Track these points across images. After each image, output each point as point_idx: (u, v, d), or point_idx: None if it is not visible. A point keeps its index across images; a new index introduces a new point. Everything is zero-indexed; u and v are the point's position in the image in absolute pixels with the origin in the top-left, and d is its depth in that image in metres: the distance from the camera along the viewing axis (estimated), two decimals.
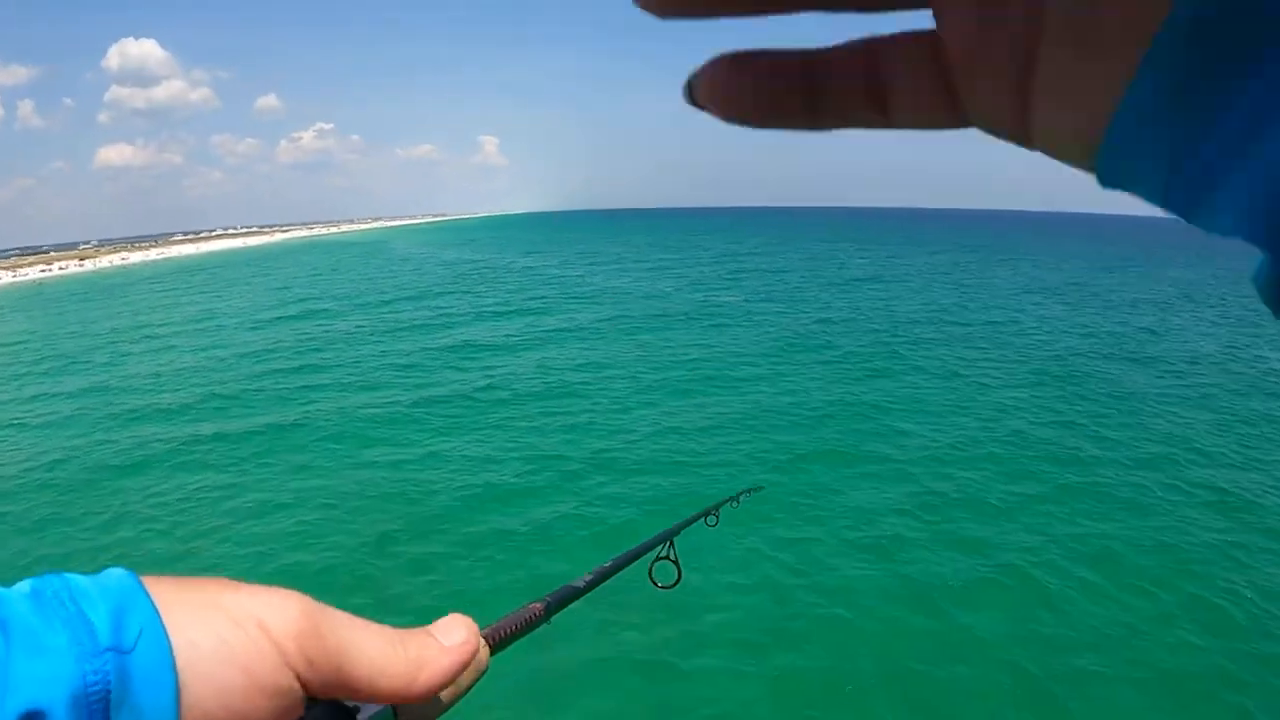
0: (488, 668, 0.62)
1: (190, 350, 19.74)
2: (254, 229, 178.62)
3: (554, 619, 0.87)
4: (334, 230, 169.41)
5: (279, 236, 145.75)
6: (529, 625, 0.77)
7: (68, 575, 0.40)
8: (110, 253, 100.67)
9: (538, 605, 0.82)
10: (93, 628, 0.37)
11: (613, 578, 1.15)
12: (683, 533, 1.52)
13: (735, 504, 2.24)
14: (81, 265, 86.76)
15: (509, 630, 0.73)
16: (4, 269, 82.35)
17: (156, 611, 0.39)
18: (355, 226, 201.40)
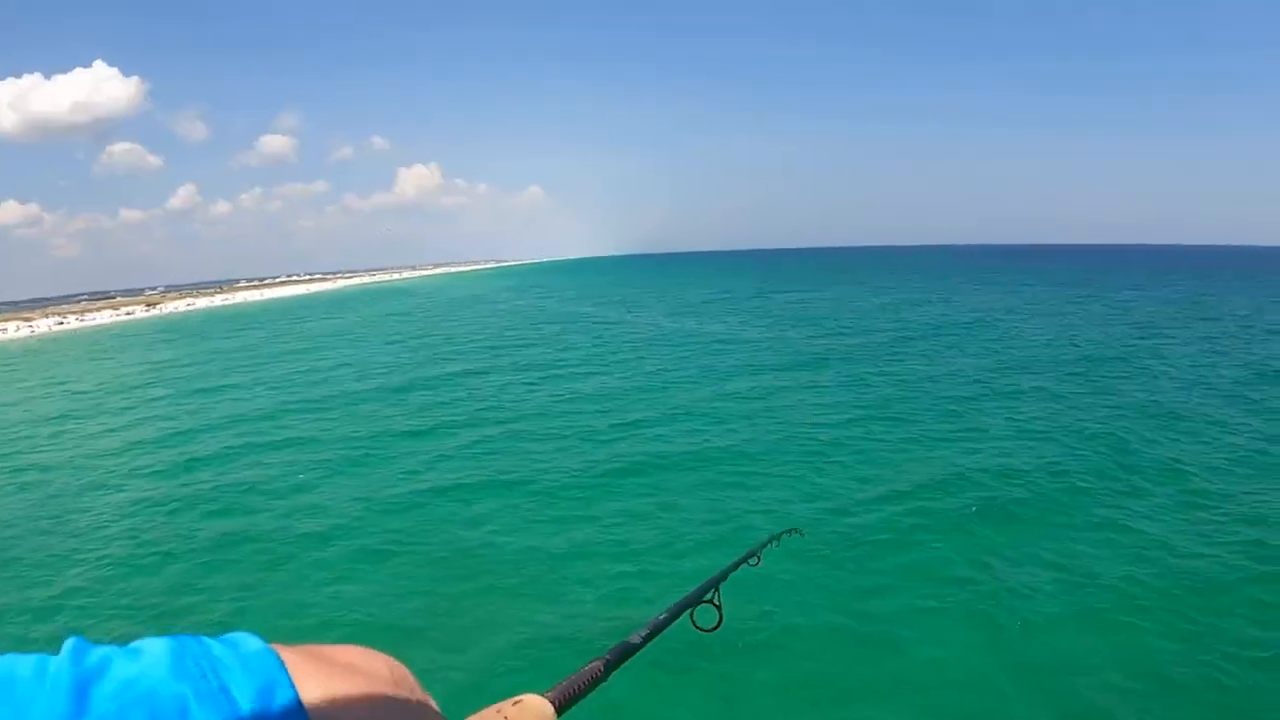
0: None
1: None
2: (316, 276, 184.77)
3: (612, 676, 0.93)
4: (398, 277, 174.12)
5: (341, 283, 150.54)
6: (591, 684, 0.81)
7: (205, 641, 0.41)
8: (177, 298, 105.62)
9: (598, 663, 0.87)
10: (237, 709, 0.37)
11: (666, 629, 1.21)
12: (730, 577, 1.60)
13: (776, 544, 2.28)
14: (149, 311, 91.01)
15: (574, 690, 0.77)
16: (106, 309, 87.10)
17: (296, 691, 0.39)
18: (418, 273, 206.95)
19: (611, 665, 0.91)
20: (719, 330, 28.49)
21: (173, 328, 64.76)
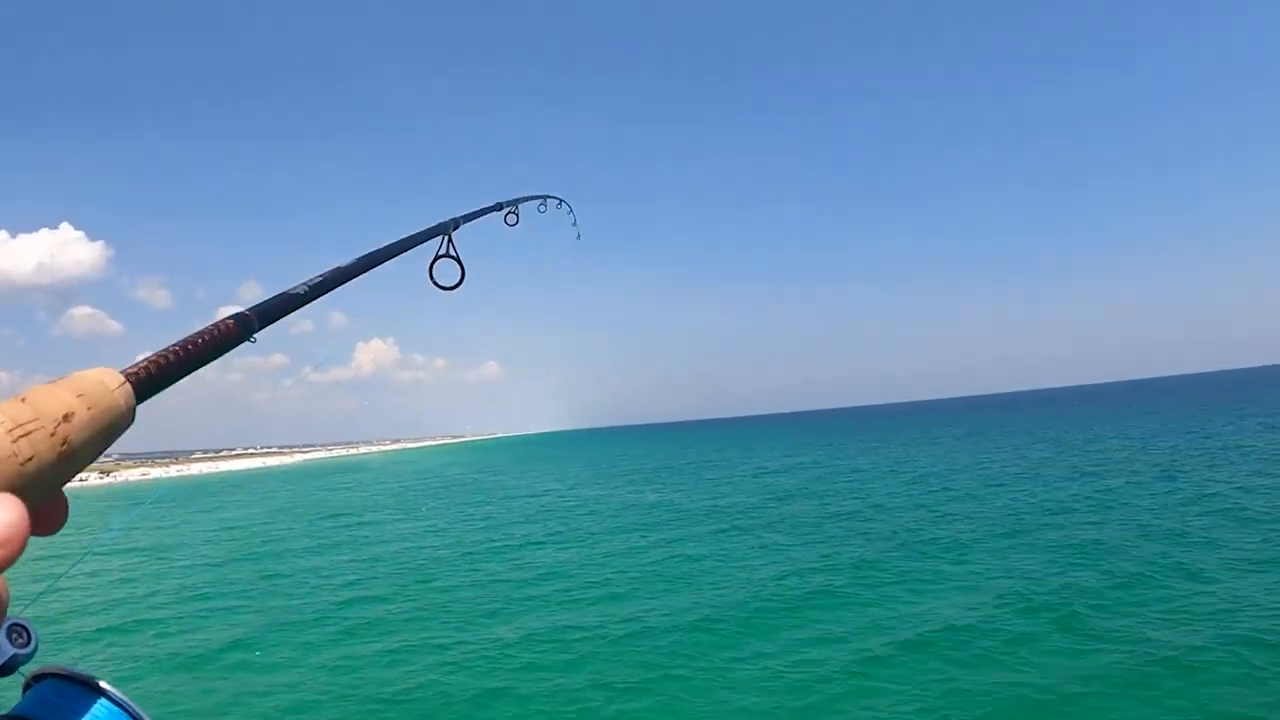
0: (129, 424, 0.60)
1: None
2: (273, 449, 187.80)
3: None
4: (355, 452, 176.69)
5: (299, 457, 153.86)
6: (210, 347, 0.81)
7: None
8: (131, 467, 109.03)
9: (228, 320, 0.87)
10: None
11: (386, 262, 1.28)
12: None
13: (542, 206, 2.71)
14: (103, 479, 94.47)
15: (174, 358, 0.74)
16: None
17: None
18: (376, 448, 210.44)
19: (317, 289, 1.00)
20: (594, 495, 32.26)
21: (128, 497, 66.03)
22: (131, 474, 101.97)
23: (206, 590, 16.53)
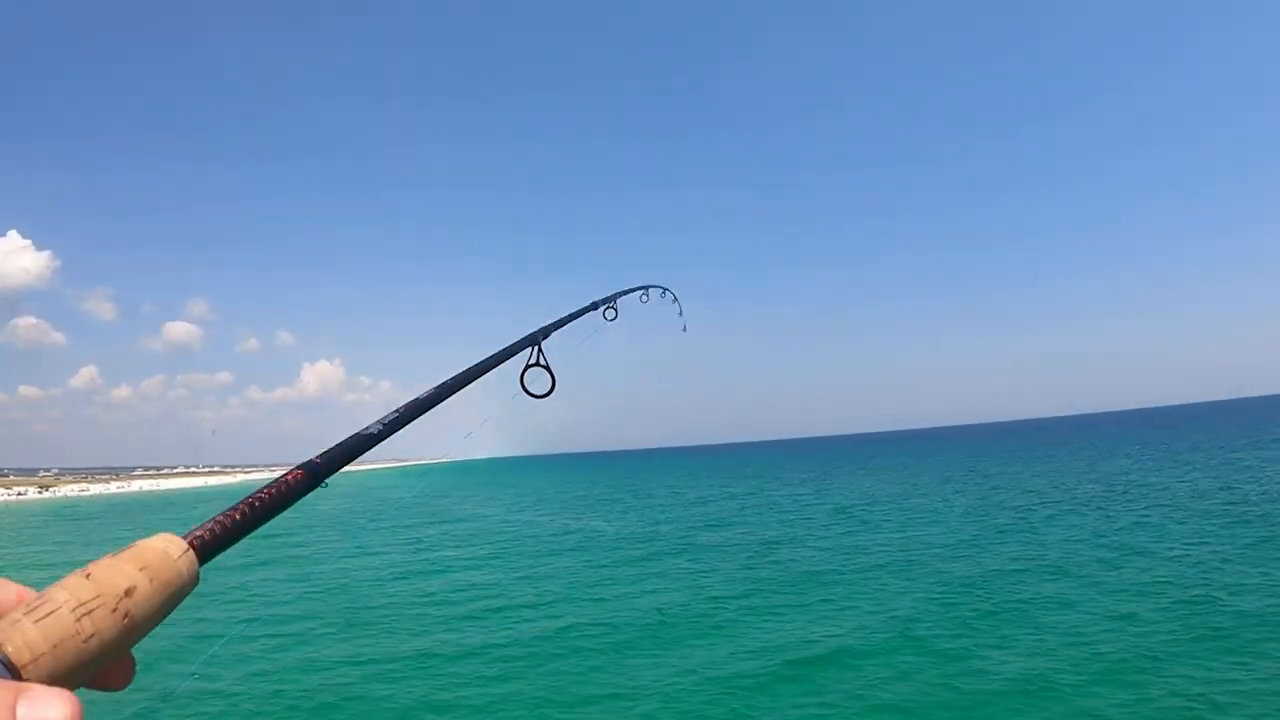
0: (194, 587, 0.60)
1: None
2: (215, 468, 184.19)
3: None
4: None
5: (241, 477, 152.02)
6: (279, 500, 0.79)
7: None
8: (71, 482, 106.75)
9: (296, 471, 0.85)
10: None
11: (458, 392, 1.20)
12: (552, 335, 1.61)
13: (645, 296, 2.73)
14: (41, 494, 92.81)
15: (235, 522, 0.72)
16: None
17: None
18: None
19: (319, 472, 0.87)
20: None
21: (69, 513, 64.92)
22: (70, 489, 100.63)
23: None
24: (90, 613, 0.53)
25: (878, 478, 48.79)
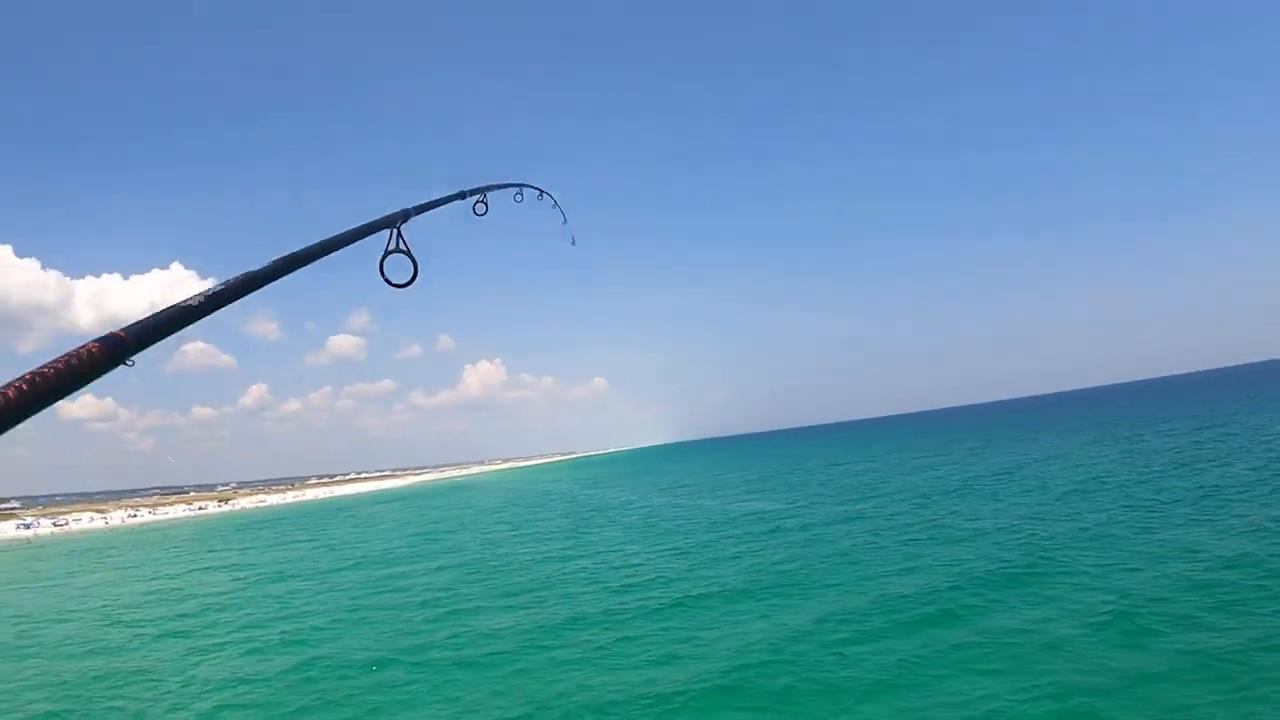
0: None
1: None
2: (385, 472, 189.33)
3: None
4: (466, 472, 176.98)
5: (411, 479, 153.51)
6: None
7: None
8: (249, 494, 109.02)
9: (91, 344, 0.73)
10: None
11: (320, 259, 1.21)
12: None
13: (519, 195, 2.66)
14: (221, 506, 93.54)
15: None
16: (177, 504, 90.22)
17: None
18: (487, 467, 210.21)
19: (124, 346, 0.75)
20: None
21: (247, 523, 66.66)
22: (249, 501, 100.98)
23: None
24: None
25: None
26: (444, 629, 13.77)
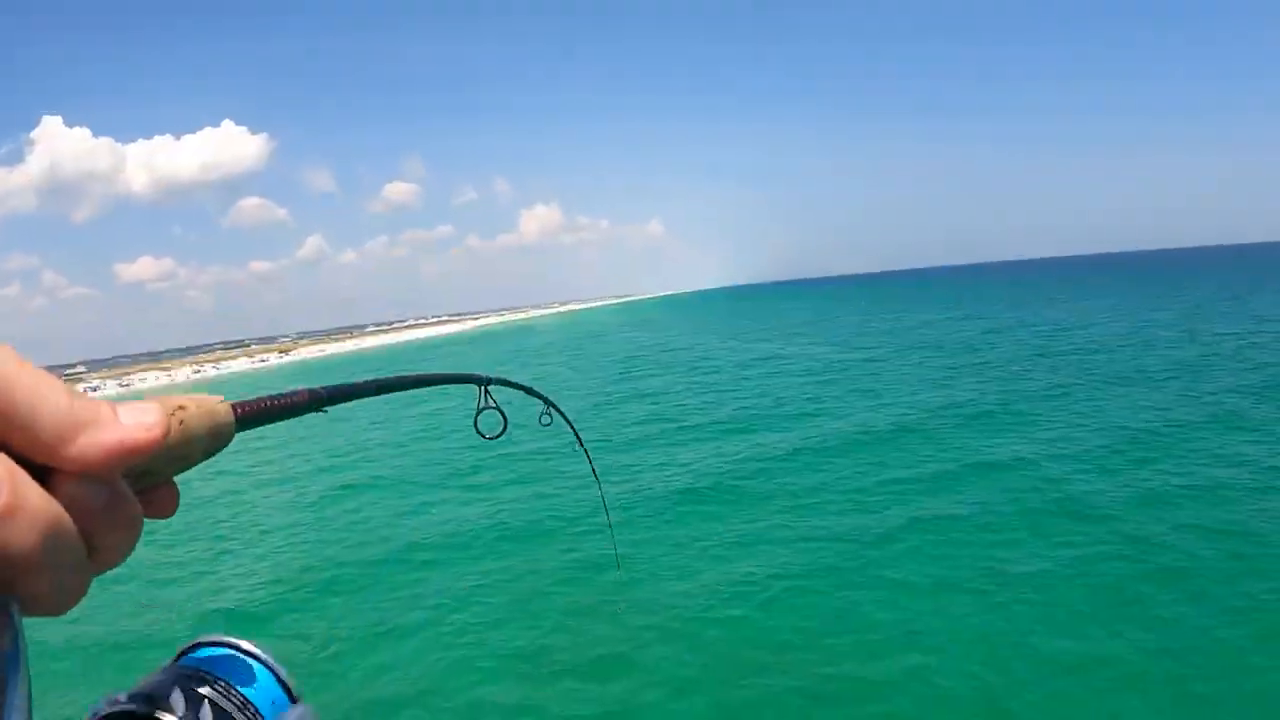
0: (229, 441, 0.62)
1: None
2: (444, 318, 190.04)
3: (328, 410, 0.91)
4: (524, 316, 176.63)
5: (471, 324, 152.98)
6: (287, 408, 0.80)
7: None
8: (309, 344, 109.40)
9: (303, 391, 0.83)
10: None
11: (405, 390, 1.20)
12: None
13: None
14: (282, 358, 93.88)
15: (264, 406, 0.73)
16: (239, 357, 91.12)
17: None
18: (544, 311, 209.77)
19: (321, 399, 0.86)
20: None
21: (308, 372, 66.50)
22: (309, 351, 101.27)
23: None
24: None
25: None
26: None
